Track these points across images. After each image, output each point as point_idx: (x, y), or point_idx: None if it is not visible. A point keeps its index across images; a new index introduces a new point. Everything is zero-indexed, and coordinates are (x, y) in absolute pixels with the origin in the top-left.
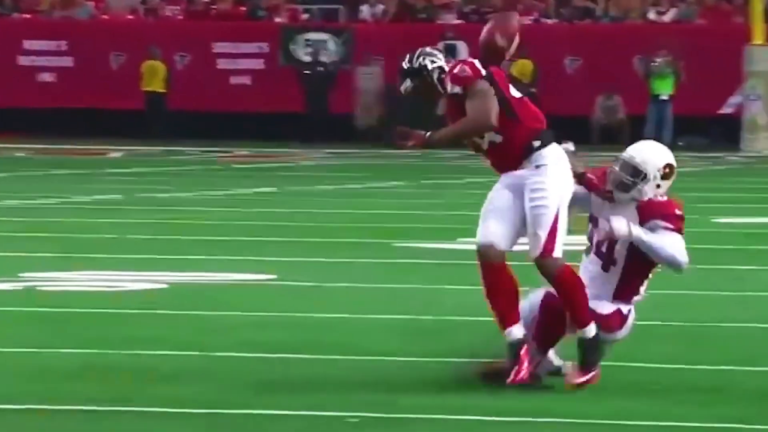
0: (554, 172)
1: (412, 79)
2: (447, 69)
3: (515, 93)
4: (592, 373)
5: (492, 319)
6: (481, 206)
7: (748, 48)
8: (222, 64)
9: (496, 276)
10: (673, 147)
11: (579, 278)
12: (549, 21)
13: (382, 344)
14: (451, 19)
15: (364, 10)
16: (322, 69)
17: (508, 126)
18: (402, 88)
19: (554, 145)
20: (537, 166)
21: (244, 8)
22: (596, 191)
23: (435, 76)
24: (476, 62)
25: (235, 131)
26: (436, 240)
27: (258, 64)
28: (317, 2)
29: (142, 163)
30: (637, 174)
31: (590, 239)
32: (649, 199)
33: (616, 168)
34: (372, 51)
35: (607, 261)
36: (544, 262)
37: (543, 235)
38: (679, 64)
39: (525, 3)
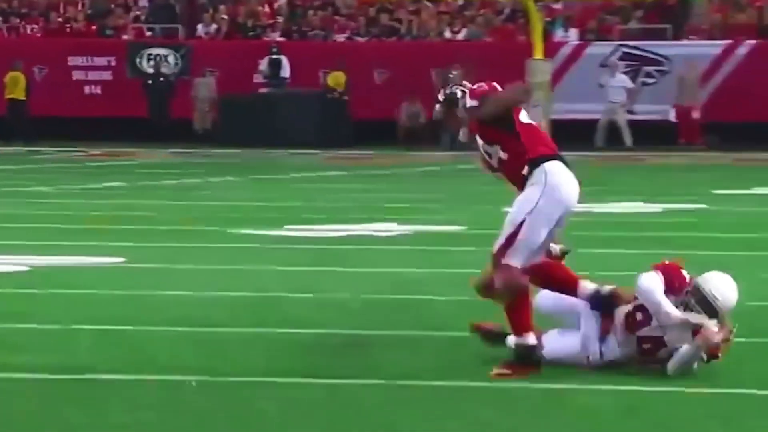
0: (543, 189)
1: (442, 106)
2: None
3: (524, 119)
4: (515, 372)
5: (310, 295)
6: (303, 198)
7: (529, 62)
8: (76, 75)
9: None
10: (458, 147)
11: (527, 289)
12: (361, 39)
13: (219, 317)
14: (276, 37)
15: (200, 29)
16: (163, 80)
17: (512, 144)
18: (434, 113)
19: (557, 164)
20: (532, 184)
21: (94, 27)
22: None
23: (461, 102)
24: (495, 84)
25: (88, 134)
26: (265, 227)
27: (108, 75)
28: (159, 21)
29: (7, 162)
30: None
31: None
32: None
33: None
34: (207, 64)
35: None
36: (494, 261)
37: (501, 239)
38: (470, 75)
39: (340, 23)
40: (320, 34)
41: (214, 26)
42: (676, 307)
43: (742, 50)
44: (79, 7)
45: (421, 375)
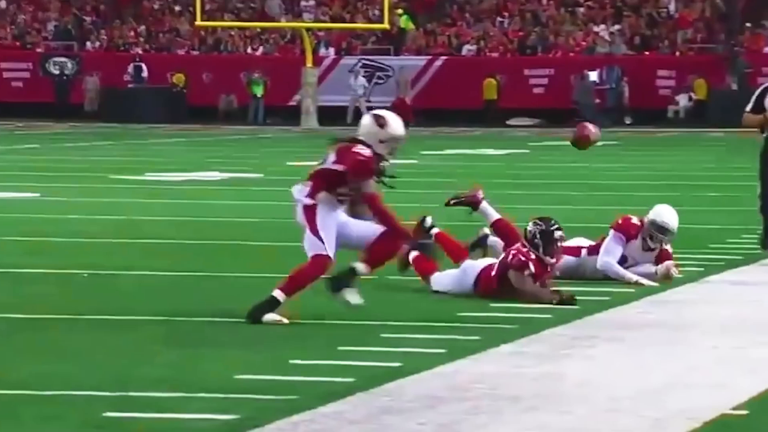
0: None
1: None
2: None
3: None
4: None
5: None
6: (157, 155)
7: (303, 69)
8: (5, 74)
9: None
10: (263, 123)
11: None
12: (195, 52)
13: (98, 232)
14: (139, 50)
15: (88, 44)
16: (65, 77)
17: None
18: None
19: None
20: None
21: (18, 42)
22: None
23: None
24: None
25: (15, 113)
26: (132, 174)
27: (27, 74)
28: (61, 39)
29: None
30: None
31: None
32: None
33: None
34: (93, 68)
35: None
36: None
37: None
38: (267, 77)
39: (180, 42)
40: (167, 48)
41: (97, 43)
42: (643, 240)
43: (438, 63)
44: (8, 29)
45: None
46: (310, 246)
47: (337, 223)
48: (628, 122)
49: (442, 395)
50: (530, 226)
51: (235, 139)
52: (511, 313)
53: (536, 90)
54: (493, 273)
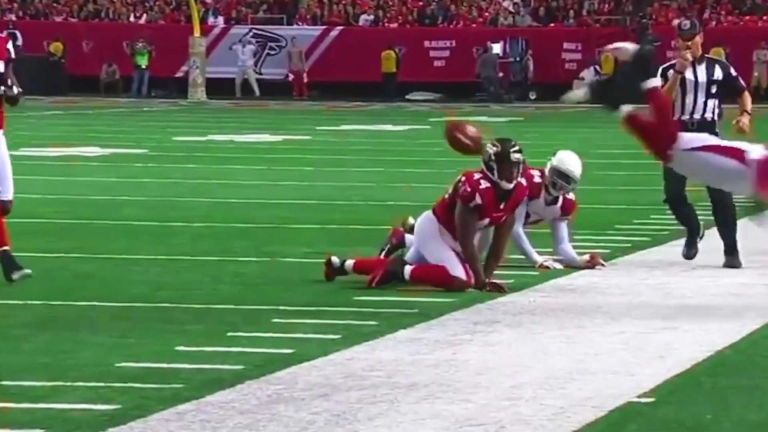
0: None
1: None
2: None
3: None
4: None
5: None
6: (32, 129)
7: (190, 38)
8: None
9: None
10: (147, 96)
11: None
12: (74, 19)
13: None
14: (12, 17)
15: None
16: None
17: None
18: None
19: None
20: None
21: None
22: None
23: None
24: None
25: None
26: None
27: None
28: None
29: None
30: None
31: None
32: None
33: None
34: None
35: None
36: None
37: None
38: (151, 47)
39: (58, 8)
40: (43, 14)
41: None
42: (546, 192)
43: (334, 33)
44: None
45: None
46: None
47: None
48: (532, 97)
49: (337, 383)
50: (487, 148)
51: (117, 112)
52: (410, 297)
53: (437, 63)
54: (446, 198)
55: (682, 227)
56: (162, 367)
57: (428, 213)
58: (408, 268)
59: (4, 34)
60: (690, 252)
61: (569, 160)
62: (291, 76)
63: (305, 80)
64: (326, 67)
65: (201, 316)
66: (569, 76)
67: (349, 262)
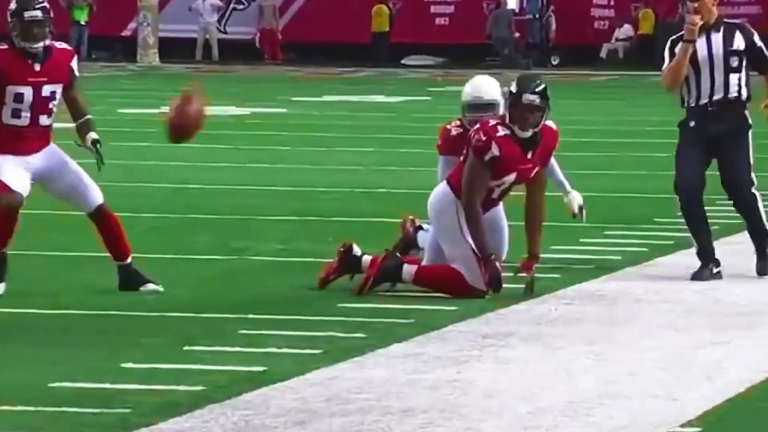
0: None
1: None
2: None
3: None
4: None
5: None
6: None
7: None
8: None
9: None
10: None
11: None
12: None
13: None
14: None
15: None
16: None
17: None
18: None
19: None
20: None
21: None
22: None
23: None
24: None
25: None
26: None
27: None
28: None
29: None
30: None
31: None
32: None
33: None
34: None
35: None
36: None
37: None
38: (92, 1)
39: None
40: None
41: None
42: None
43: None
44: None
45: None
46: None
47: None
48: (554, 63)
49: (317, 408)
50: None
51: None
52: (405, 304)
53: (439, 20)
54: (462, 159)
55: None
56: (105, 388)
57: (443, 186)
58: (409, 269)
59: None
60: (703, 273)
61: (470, 87)
62: (260, 36)
63: (279, 40)
64: (304, 25)
65: (153, 326)
66: (599, 38)
67: (367, 258)
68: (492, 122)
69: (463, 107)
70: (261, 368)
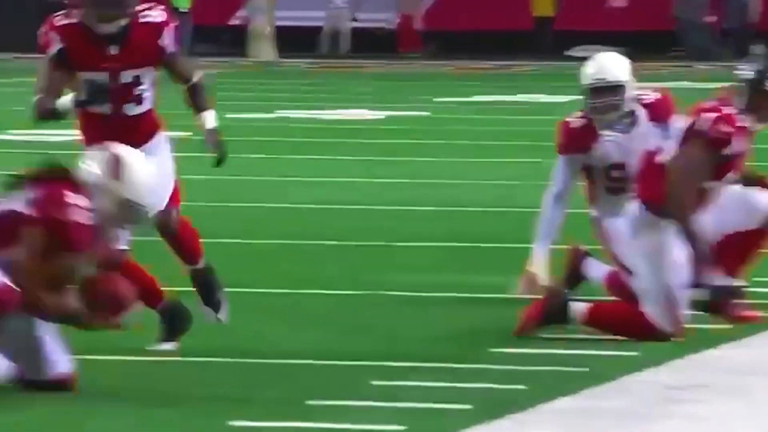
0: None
1: None
2: None
3: None
4: None
5: None
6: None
7: None
8: None
9: None
10: (191, 52)
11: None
12: None
13: None
14: None
15: None
16: None
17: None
18: None
19: None
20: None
21: None
22: None
23: None
24: None
25: None
26: None
27: None
28: None
29: None
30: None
31: None
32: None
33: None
34: None
35: None
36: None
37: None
38: None
39: None
40: None
41: None
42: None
43: None
44: None
45: None
46: None
47: None
48: (757, 52)
49: None
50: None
51: None
52: (574, 349)
53: (615, 2)
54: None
55: None
56: None
57: (633, 205)
58: (579, 307)
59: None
60: None
61: (592, 68)
62: (398, 23)
63: (419, 29)
64: (450, 11)
65: (268, 376)
66: None
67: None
68: (727, 109)
69: (584, 92)
70: (399, 427)
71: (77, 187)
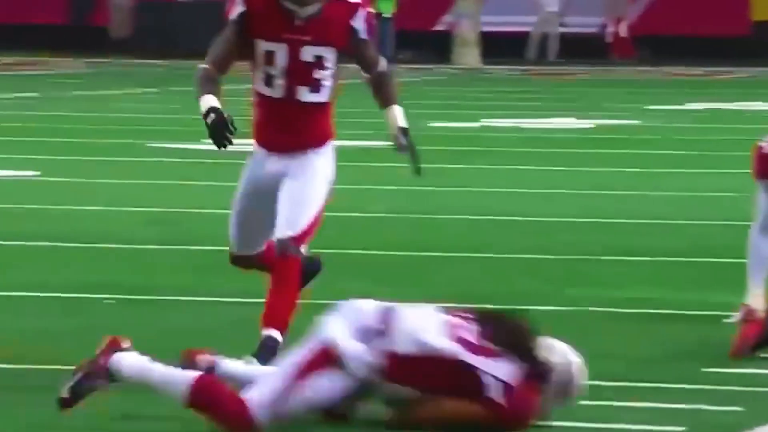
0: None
1: None
2: None
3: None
4: None
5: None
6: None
7: None
8: None
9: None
10: (393, 59)
11: None
12: None
13: (136, 233)
14: None
15: None
16: None
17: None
18: None
19: None
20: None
21: None
22: None
23: None
24: None
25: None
26: (182, 141)
27: None
28: None
29: None
30: None
31: None
32: None
33: None
34: None
35: None
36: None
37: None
38: None
39: None
40: None
41: None
42: None
43: None
44: None
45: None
46: None
47: None
48: None
49: None
50: None
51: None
52: None
53: None
54: None
55: None
56: None
57: None
58: None
59: None
60: None
61: None
62: (610, 28)
63: (630, 34)
64: (662, 15)
65: None
66: None
67: None
68: None
69: None
70: None
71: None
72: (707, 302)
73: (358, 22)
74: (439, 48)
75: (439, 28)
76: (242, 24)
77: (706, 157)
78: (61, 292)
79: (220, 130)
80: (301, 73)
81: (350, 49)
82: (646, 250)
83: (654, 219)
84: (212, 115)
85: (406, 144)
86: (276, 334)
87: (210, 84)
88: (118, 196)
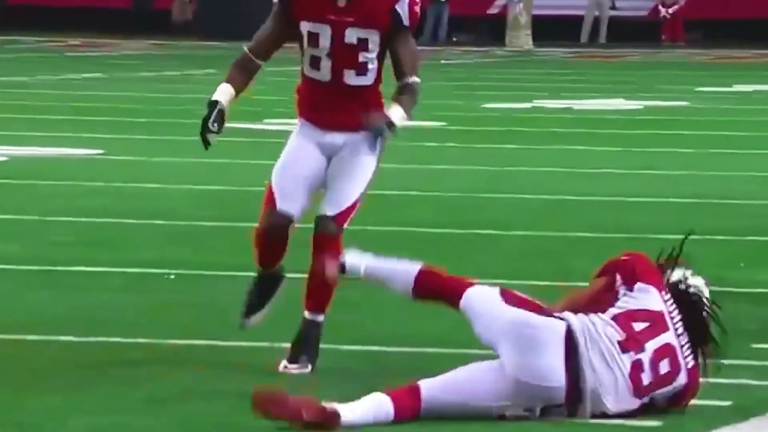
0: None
1: None
2: None
3: None
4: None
5: None
6: (280, 92)
7: None
8: None
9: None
10: (448, 42)
11: None
12: None
13: (196, 210)
14: None
15: None
16: None
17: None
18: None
19: None
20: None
21: None
22: None
23: None
24: None
25: (67, 23)
26: (245, 120)
27: None
28: None
29: None
30: None
31: None
32: None
33: None
34: None
35: None
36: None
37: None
38: None
39: None
40: None
41: None
42: None
43: None
44: None
45: None
46: None
47: None
48: None
49: None
50: None
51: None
52: None
53: None
54: None
55: None
56: None
57: None
58: None
59: None
60: None
61: None
62: (663, 12)
63: (681, 17)
64: None
65: None
66: None
67: None
68: None
69: None
70: (655, 423)
71: None
72: (755, 280)
73: (403, 6)
74: (493, 31)
75: (492, 11)
76: (287, 5)
77: (754, 138)
78: (124, 267)
79: (205, 126)
80: (346, 56)
81: (390, 38)
82: (694, 228)
83: (702, 198)
84: (207, 109)
85: (378, 131)
86: (319, 317)
87: (236, 71)
88: (178, 175)
